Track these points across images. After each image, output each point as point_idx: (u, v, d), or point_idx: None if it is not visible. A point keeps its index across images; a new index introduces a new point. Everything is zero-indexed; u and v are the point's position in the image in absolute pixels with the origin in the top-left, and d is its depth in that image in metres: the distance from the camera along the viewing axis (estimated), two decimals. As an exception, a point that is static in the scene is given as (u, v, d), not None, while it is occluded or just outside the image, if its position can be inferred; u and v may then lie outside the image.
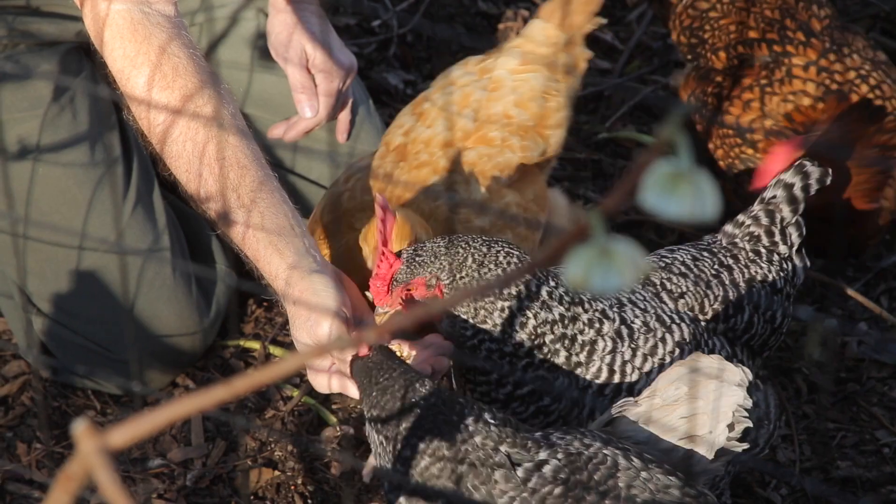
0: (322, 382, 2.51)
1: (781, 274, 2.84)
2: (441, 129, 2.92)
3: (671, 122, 1.20)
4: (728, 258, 2.80)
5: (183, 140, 2.63)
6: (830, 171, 2.88)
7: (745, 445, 2.40)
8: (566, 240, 1.23)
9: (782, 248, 2.85)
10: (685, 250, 2.79)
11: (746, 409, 2.37)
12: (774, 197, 2.85)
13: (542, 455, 2.28)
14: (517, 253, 2.49)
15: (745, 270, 2.79)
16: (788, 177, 2.85)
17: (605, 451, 2.28)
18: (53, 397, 3.37)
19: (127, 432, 1.30)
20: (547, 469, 2.26)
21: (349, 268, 2.67)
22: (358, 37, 4.44)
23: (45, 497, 1.36)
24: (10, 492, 3.18)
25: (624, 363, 2.58)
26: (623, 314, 2.59)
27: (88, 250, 3.26)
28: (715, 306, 2.73)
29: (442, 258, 2.49)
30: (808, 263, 2.90)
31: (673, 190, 1.19)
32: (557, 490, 2.24)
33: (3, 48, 3.28)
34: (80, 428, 1.29)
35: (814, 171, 2.85)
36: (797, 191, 2.85)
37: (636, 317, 2.61)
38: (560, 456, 2.27)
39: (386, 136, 3.03)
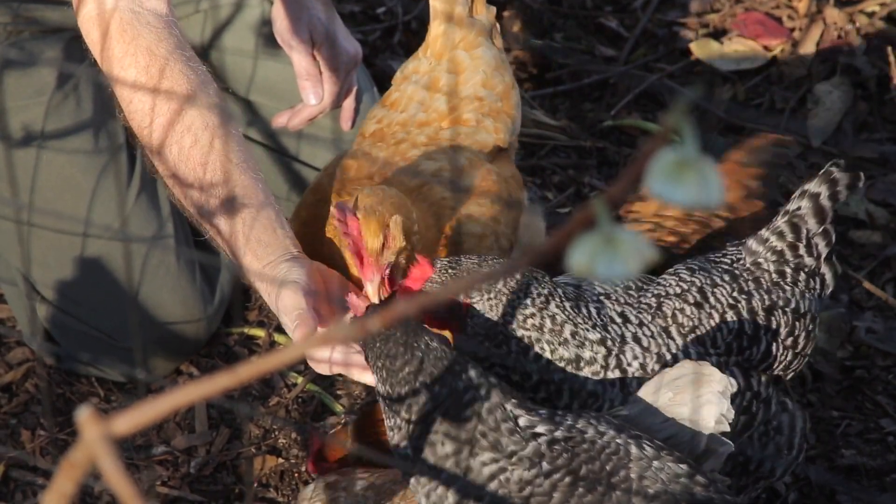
0: (324, 368, 2.50)
1: (807, 295, 2.72)
2: (415, 111, 2.93)
3: (676, 110, 1.20)
4: (749, 283, 2.67)
5: (169, 143, 2.60)
6: (862, 175, 2.76)
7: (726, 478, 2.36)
8: (571, 228, 1.22)
9: (808, 261, 2.72)
10: (705, 272, 2.66)
11: (729, 421, 2.34)
12: (799, 209, 2.71)
13: (543, 427, 2.28)
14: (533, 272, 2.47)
15: (766, 297, 2.66)
16: (814, 186, 2.71)
17: (618, 440, 2.27)
18: (57, 384, 3.37)
19: (131, 420, 1.30)
20: (561, 461, 2.25)
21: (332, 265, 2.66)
22: (363, 24, 4.43)
23: (49, 484, 1.36)
24: (13, 479, 3.19)
25: (612, 406, 2.49)
26: (621, 357, 2.50)
27: (92, 238, 3.25)
28: (728, 340, 2.61)
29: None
30: (840, 269, 2.80)
31: (679, 178, 1.18)
32: (568, 479, 2.24)
33: (8, 35, 3.28)
34: (84, 415, 1.29)
35: (842, 177, 2.72)
36: (824, 200, 2.72)
37: (635, 358, 2.52)
38: (571, 443, 2.27)
39: (360, 129, 3.03)
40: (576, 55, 4.37)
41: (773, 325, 2.66)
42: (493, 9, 3.04)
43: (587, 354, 2.47)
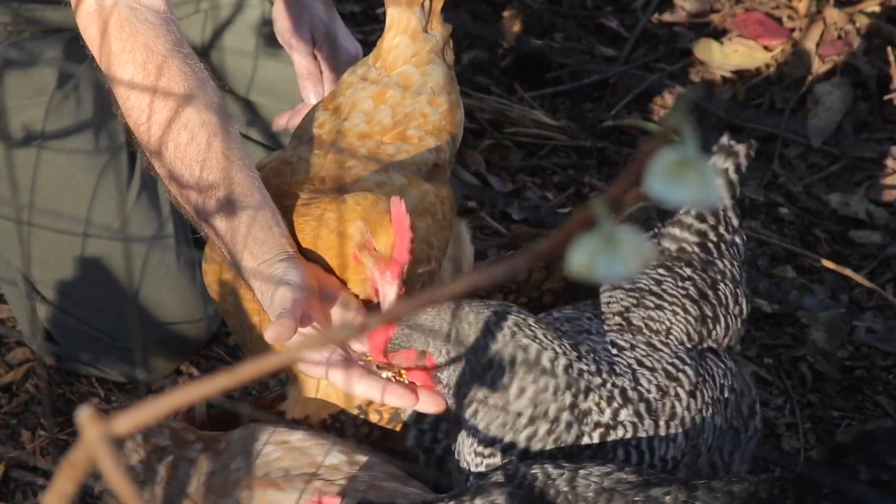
0: (318, 372, 2.46)
1: (735, 263, 2.79)
2: (359, 121, 2.87)
3: (676, 110, 1.20)
4: (685, 268, 2.73)
5: (166, 140, 2.59)
6: (753, 142, 2.86)
7: None
8: (571, 228, 1.22)
9: (727, 236, 2.80)
10: (643, 274, 2.71)
11: None
12: None
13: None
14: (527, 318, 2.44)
15: (706, 275, 2.73)
16: (720, 162, 2.80)
17: (533, 471, 2.27)
18: (57, 384, 3.37)
19: (131, 420, 1.30)
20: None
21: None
22: (363, 24, 4.43)
23: (49, 484, 1.36)
24: (14, 479, 3.19)
25: (650, 439, 2.48)
26: (639, 389, 2.49)
27: (92, 238, 3.25)
28: (698, 329, 2.66)
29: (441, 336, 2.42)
30: (745, 237, 2.87)
31: (679, 178, 1.18)
32: None
33: (8, 35, 3.28)
34: (85, 415, 1.29)
35: (740, 147, 2.81)
36: (732, 174, 2.81)
37: (650, 382, 2.51)
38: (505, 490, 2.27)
39: (297, 132, 2.97)
40: (576, 55, 4.37)
41: (723, 300, 2.72)
42: (449, 26, 2.99)
43: (590, 406, 2.45)
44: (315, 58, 3.26)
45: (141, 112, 2.59)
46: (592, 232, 1.22)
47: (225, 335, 3.49)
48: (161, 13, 2.64)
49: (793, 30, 4.40)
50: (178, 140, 2.56)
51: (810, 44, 4.33)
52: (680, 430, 2.51)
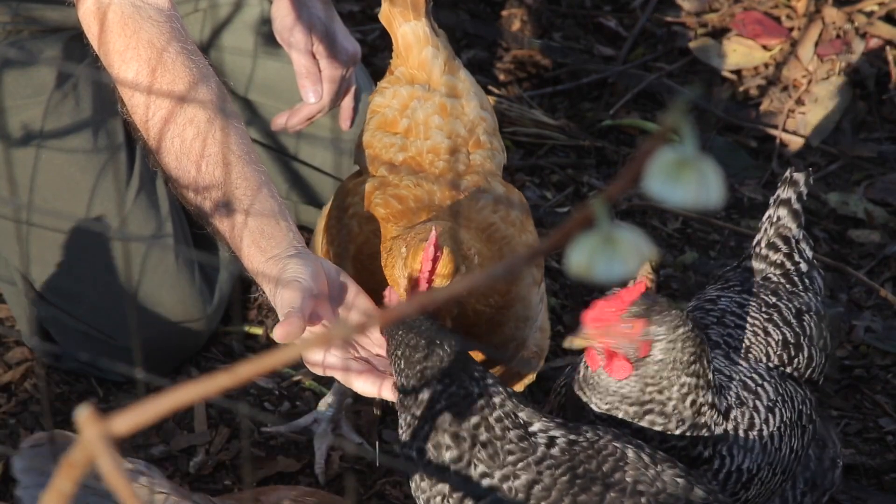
0: (318, 371, 2.46)
1: (818, 297, 2.78)
2: (441, 138, 2.83)
3: (675, 109, 1.20)
4: (770, 296, 2.72)
5: (171, 136, 2.59)
6: (811, 170, 2.87)
7: None
8: (570, 227, 1.22)
9: (804, 267, 2.80)
10: (726, 297, 2.71)
11: None
12: (780, 218, 2.80)
13: (556, 433, 2.27)
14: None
15: (790, 304, 2.72)
16: (783, 192, 2.80)
17: (615, 444, 2.27)
18: (56, 384, 3.37)
19: (130, 419, 1.30)
20: (555, 450, 2.25)
21: (362, 273, 2.64)
22: (361, 23, 4.43)
23: (48, 484, 1.36)
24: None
25: (730, 446, 2.47)
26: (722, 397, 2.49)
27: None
28: (778, 352, 2.65)
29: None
30: (822, 271, 2.87)
31: (678, 177, 1.18)
32: (566, 477, 2.23)
33: (7, 34, 3.28)
34: (83, 415, 1.29)
35: (799, 177, 2.82)
36: (795, 203, 2.81)
37: (730, 392, 2.50)
38: (571, 438, 2.27)
39: (377, 157, 2.88)
40: (575, 54, 4.37)
41: (807, 331, 2.70)
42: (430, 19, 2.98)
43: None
44: (314, 57, 3.26)
45: (146, 109, 2.60)
46: (591, 231, 1.22)
47: (224, 334, 3.50)
48: (164, 10, 2.65)
49: (791, 29, 4.40)
50: (184, 136, 2.57)
51: (809, 43, 4.33)
52: (757, 440, 2.49)
